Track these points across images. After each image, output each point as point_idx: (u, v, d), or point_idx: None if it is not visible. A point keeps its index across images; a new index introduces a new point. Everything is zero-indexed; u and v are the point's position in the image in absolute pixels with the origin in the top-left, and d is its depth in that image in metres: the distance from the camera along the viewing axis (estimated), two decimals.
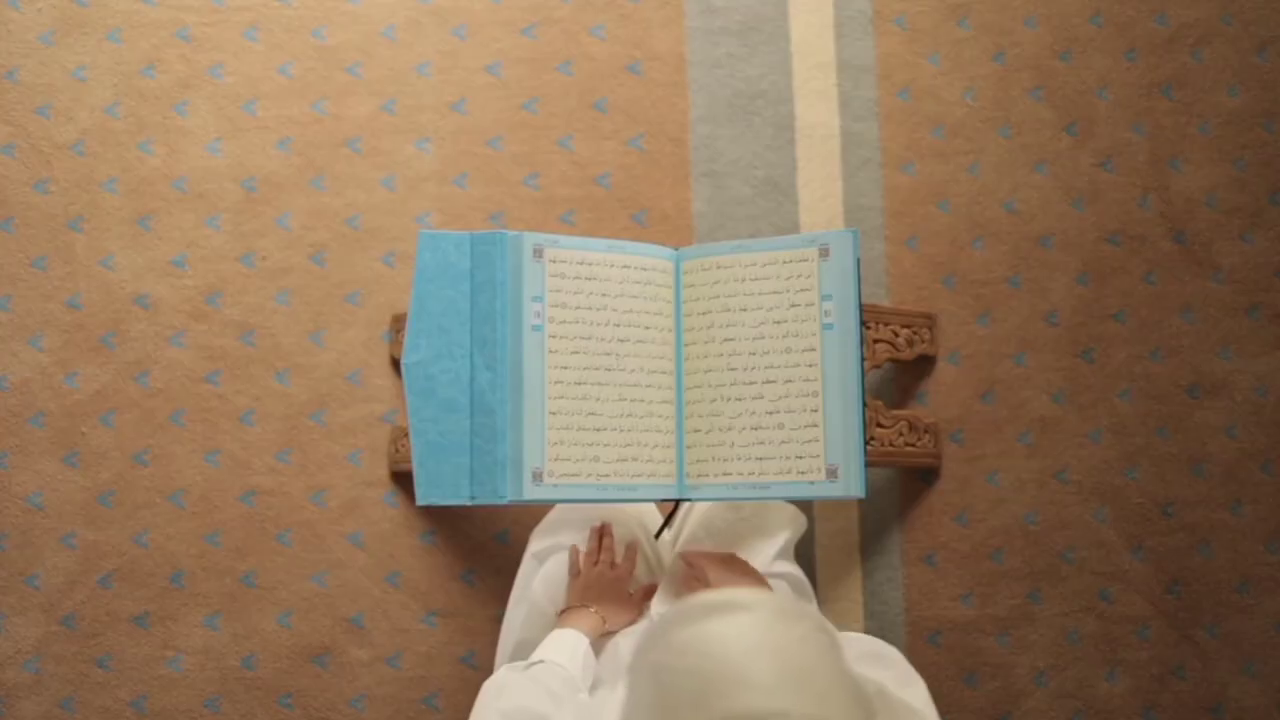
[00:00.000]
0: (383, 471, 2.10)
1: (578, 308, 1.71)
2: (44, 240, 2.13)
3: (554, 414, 1.69)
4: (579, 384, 1.71)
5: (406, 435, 1.92)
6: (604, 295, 1.73)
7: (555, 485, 1.68)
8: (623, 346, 1.74)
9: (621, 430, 1.73)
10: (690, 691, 0.91)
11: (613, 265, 1.74)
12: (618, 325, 1.74)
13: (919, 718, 1.30)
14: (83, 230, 2.13)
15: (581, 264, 1.72)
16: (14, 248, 2.13)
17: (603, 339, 1.72)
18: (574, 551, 1.75)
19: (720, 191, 2.16)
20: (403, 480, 2.08)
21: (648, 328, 1.75)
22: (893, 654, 1.42)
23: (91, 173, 2.14)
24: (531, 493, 1.67)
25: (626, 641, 1.68)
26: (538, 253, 1.71)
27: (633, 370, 1.74)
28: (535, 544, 1.81)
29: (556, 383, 1.70)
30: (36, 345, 2.11)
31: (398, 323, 2.08)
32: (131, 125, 2.16)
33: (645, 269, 1.76)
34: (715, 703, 0.89)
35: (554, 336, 1.69)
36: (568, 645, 1.57)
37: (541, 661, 1.51)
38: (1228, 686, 2.06)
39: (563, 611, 1.68)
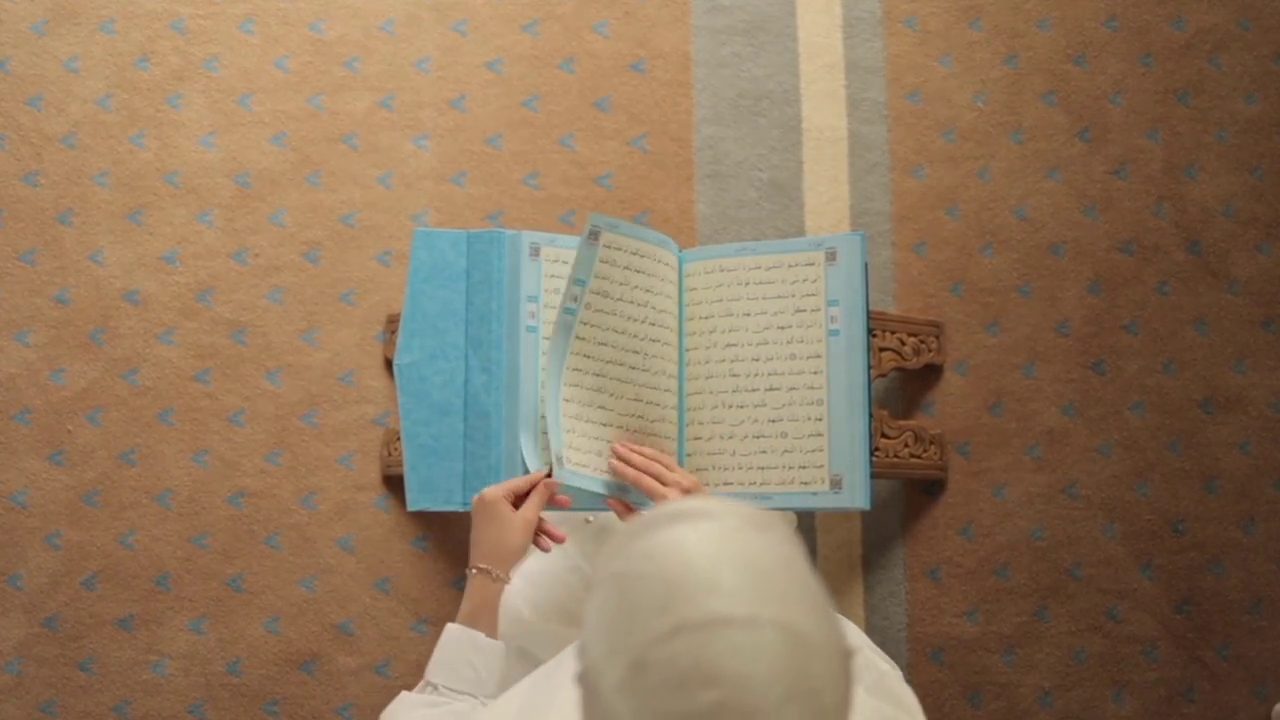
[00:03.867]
0: (374, 475, 2.08)
1: (619, 299, 1.68)
2: (32, 234, 2.12)
3: (567, 401, 1.65)
4: (598, 375, 1.67)
5: (399, 438, 1.90)
6: (649, 291, 1.70)
7: (575, 471, 1.65)
8: (653, 347, 1.71)
9: (626, 433, 1.70)
10: (655, 597, 0.90)
11: (663, 262, 1.71)
12: (653, 324, 1.71)
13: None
14: (72, 224, 2.12)
15: (635, 254, 1.68)
16: (1, 241, 2.12)
17: (635, 336, 1.70)
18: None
19: (724, 194, 2.14)
20: (395, 484, 2.06)
21: (652, 324, 1.72)
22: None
23: (82, 166, 2.13)
24: (557, 474, 1.64)
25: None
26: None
27: (656, 373, 1.71)
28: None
29: (574, 370, 1.66)
30: (23, 341, 2.10)
31: (392, 323, 2.06)
32: (123, 118, 2.15)
33: (660, 261, 1.72)
34: (680, 608, 0.88)
35: (585, 324, 1.65)
36: (463, 658, 1.53)
37: (434, 687, 1.50)
38: (1238, 711, 2.05)
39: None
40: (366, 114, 2.15)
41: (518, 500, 1.60)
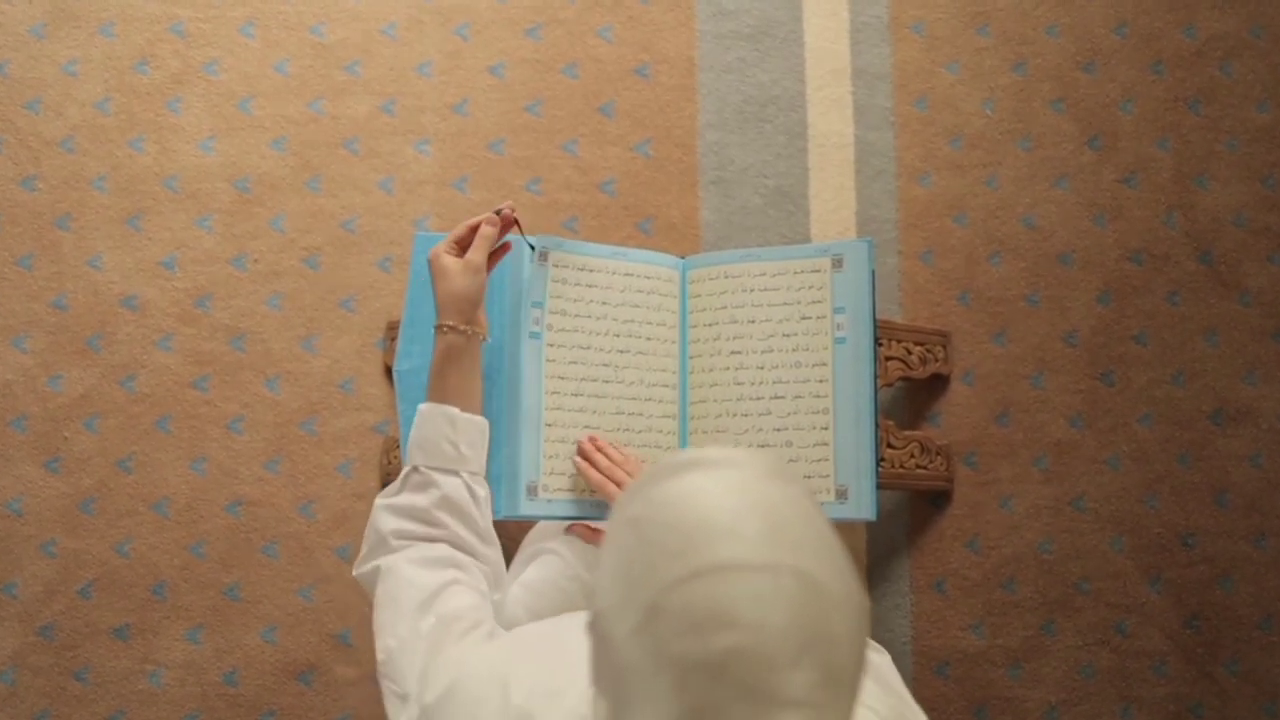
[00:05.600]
0: (374, 483, 2.08)
1: (577, 315, 1.68)
2: (30, 238, 2.11)
3: (550, 425, 1.65)
4: (576, 395, 1.67)
5: (399, 446, 1.88)
6: (605, 304, 1.70)
7: (550, 501, 1.65)
8: (622, 358, 1.71)
9: (619, 444, 1.69)
10: (673, 542, 0.88)
11: (615, 273, 1.71)
12: (617, 335, 1.71)
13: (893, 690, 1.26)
14: (70, 229, 2.11)
15: (583, 270, 1.69)
16: None
17: (601, 349, 1.70)
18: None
19: (729, 200, 2.13)
20: None
21: (649, 339, 1.72)
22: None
23: (80, 170, 2.12)
24: (526, 508, 1.64)
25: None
26: (542, 256, 1.67)
27: (632, 383, 1.71)
28: (523, 551, 1.78)
29: (553, 393, 1.66)
30: (20, 346, 2.08)
31: (392, 330, 2.05)
32: (122, 122, 2.14)
33: (649, 278, 1.73)
34: (699, 553, 0.87)
35: (552, 345, 1.66)
36: (439, 435, 1.46)
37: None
38: None
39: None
40: (367, 118, 2.14)
41: (464, 249, 1.53)
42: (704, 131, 2.15)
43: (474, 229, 1.52)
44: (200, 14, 2.16)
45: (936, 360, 2.05)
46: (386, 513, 1.44)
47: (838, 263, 1.70)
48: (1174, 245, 2.12)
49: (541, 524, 1.79)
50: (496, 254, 1.57)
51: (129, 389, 2.08)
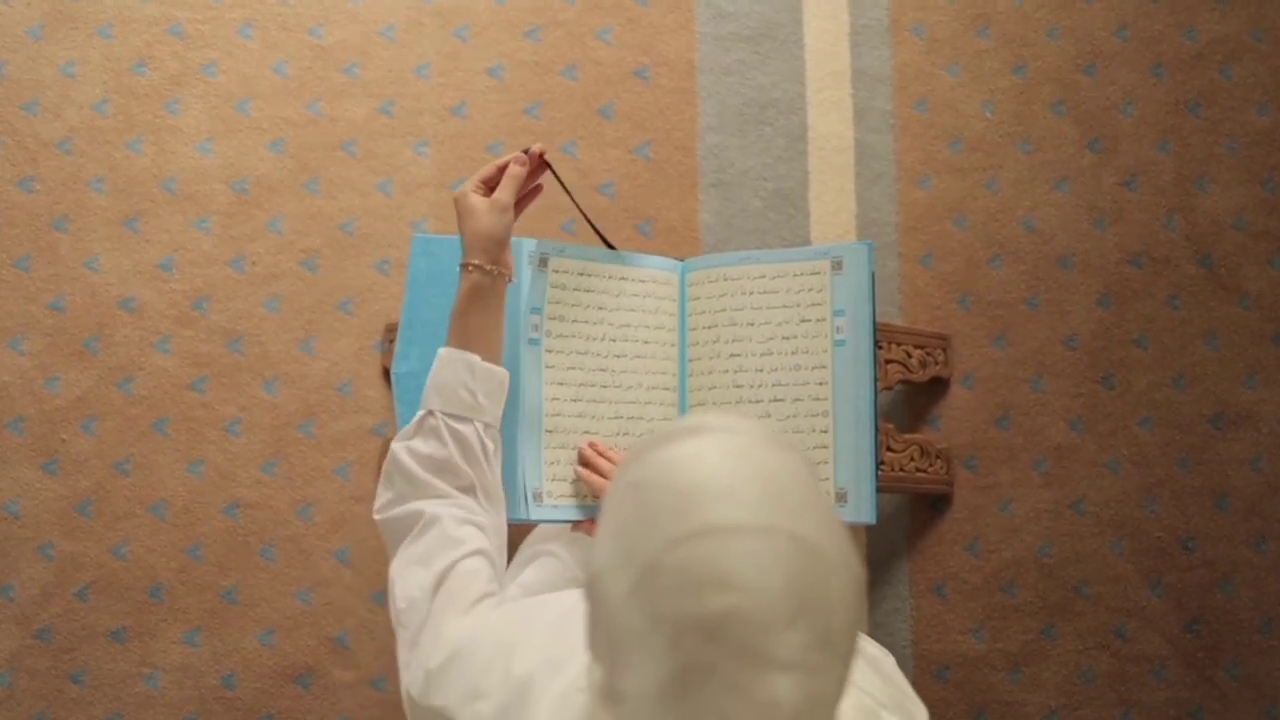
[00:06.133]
0: (372, 486, 2.04)
1: (576, 321, 1.68)
2: (27, 240, 2.10)
3: (550, 432, 1.65)
4: (575, 400, 1.67)
5: None
6: (602, 309, 1.69)
7: (555, 506, 1.65)
8: (620, 362, 1.71)
9: (619, 448, 1.69)
10: (671, 503, 0.89)
11: (613, 277, 1.71)
12: (615, 340, 1.71)
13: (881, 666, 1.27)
14: (68, 231, 2.10)
15: (582, 275, 1.68)
16: None
17: (600, 354, 1.69)
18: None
19: (729, 203, 2.13)
20: None
21: (647, 342, 1.72)
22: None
23: (78, 171, 2.12)
24: (533, 513, 1.63)
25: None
26: (541, 262, 1.66)
27: (630, 387, 1.71)
28: (522, 553, 1.77)
29: (553, 399, 1.66)
30: (17, 348, 2.08)
31: (391, 332, 2.05)
32: (120, 123, 2.13)
33: (647, 281, 1.72)
34: (698, 514, 0.88)
35: (551, 351, 1.65)
36: (458, 382, 1.44)
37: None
38: None
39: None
40: (366, 120, 2.14)
41: (491, 189, 1.51)
42: (704, 134, 2.15)
43: (502, 168, 1.50)
44: (198, 15, 2.15)
45: (936, 363, 2.05)
46: (409, 458, 1.42)
47: (837, 265, 1.69)
48: (1174, 248, 2.12)
49: (542, 526, 1.79)
50: (528, 197, 1.55)
51: (126, 391, 2.08)
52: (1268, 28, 2.16)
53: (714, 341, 1.72)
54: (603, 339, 1.70)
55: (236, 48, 2.15)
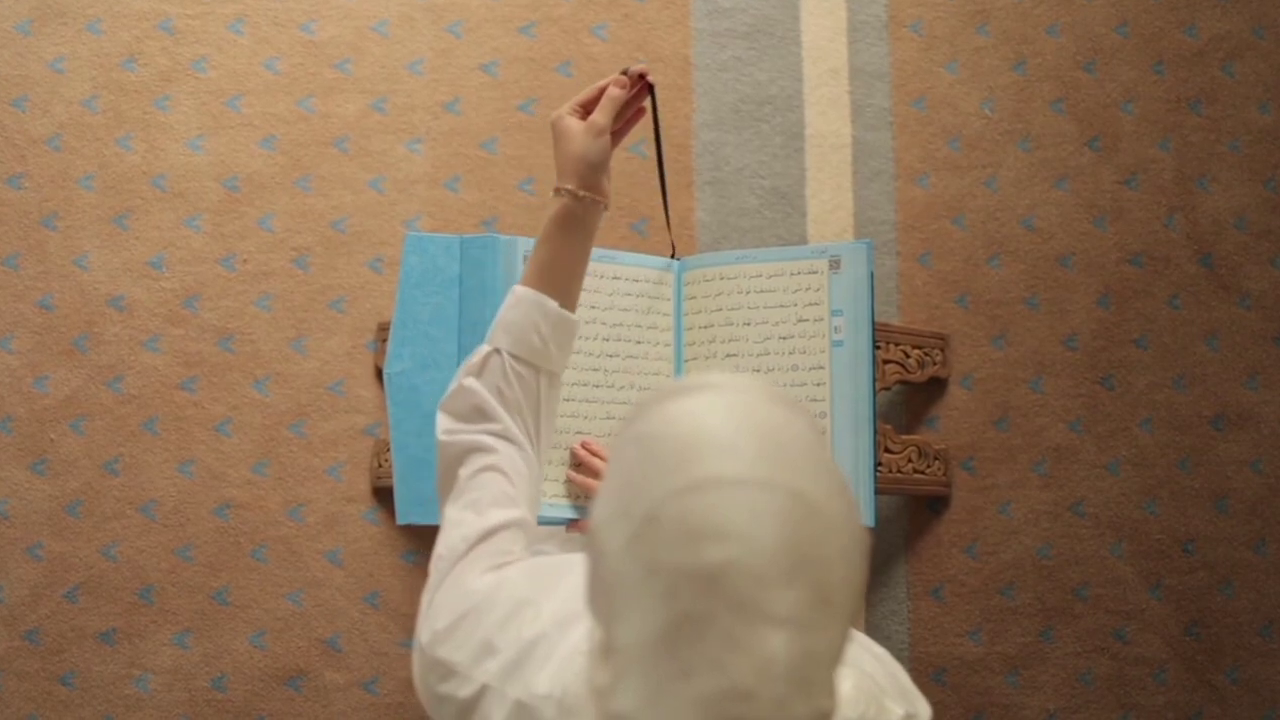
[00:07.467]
0: (364, 487, 2.06)
1: None
2: (15, 238, 2.09)
3: None
4: (567, 400, 1.66)
5: (389, 449, 1.88)
6: (594, 308, 1.69)
7: (550, 505, 1.65)
8: (612, 362, 1.70)
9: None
10: (672, 456, 0.89)
11: (604, 276, 1.70)
12: (607, 340, 1.70)
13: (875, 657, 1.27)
14: (56, 228, 2.09)
15: None
16: None
17: (591, 354, 1.69)
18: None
19: (724, 201, 2.12)
20: (384, 496, 2.04)
21: (640, 342, 1.71)
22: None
23: (67, 168, 2.11)
24: None
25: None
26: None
27: (623, 387, 1.70)
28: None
29: None
30: (5, 347, 2.07)
31: (383, 331, 2.05)
32: (110, 120, 2.12)
33: (640, 280, 1.72)
34: (697, 466, 0.88)
35: None
36: (529, 323, 1.37)
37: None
38: None
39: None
40: (358, 117, 2.13)
41: (588, 112, 1.44)
42: (699, 131, 2.14)
43: (601, 90, 1.44)
44: (189, 11, 2.14)
45: (935, 364, 2.05)
46: (480, 386, 1.35)
47: (835, 264, 1.69)
48: (1175, 248, 2.11)
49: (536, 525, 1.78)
50: (630, 122, 1.49)
51: (116, 390, 2.07)
52: (1270, 25, 2.15)
53: (710, 341, 1.71)
54: (595, 338, 1.69)
55: (227, 43, 2.14)
